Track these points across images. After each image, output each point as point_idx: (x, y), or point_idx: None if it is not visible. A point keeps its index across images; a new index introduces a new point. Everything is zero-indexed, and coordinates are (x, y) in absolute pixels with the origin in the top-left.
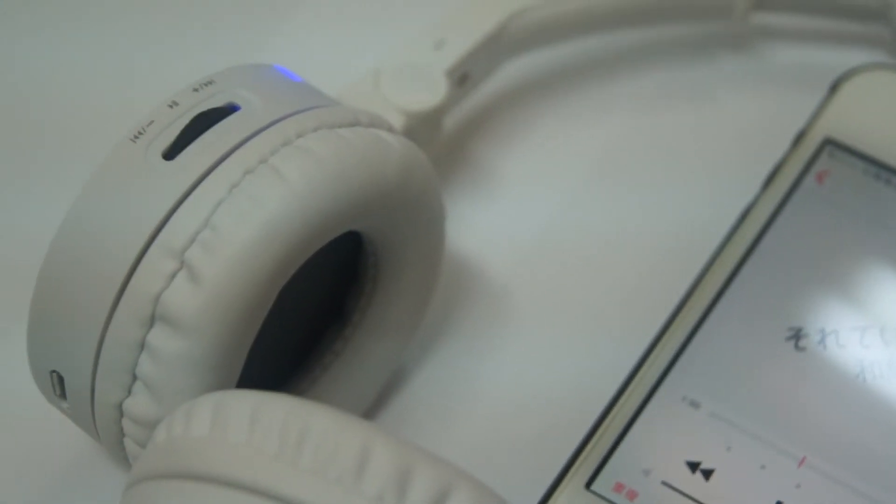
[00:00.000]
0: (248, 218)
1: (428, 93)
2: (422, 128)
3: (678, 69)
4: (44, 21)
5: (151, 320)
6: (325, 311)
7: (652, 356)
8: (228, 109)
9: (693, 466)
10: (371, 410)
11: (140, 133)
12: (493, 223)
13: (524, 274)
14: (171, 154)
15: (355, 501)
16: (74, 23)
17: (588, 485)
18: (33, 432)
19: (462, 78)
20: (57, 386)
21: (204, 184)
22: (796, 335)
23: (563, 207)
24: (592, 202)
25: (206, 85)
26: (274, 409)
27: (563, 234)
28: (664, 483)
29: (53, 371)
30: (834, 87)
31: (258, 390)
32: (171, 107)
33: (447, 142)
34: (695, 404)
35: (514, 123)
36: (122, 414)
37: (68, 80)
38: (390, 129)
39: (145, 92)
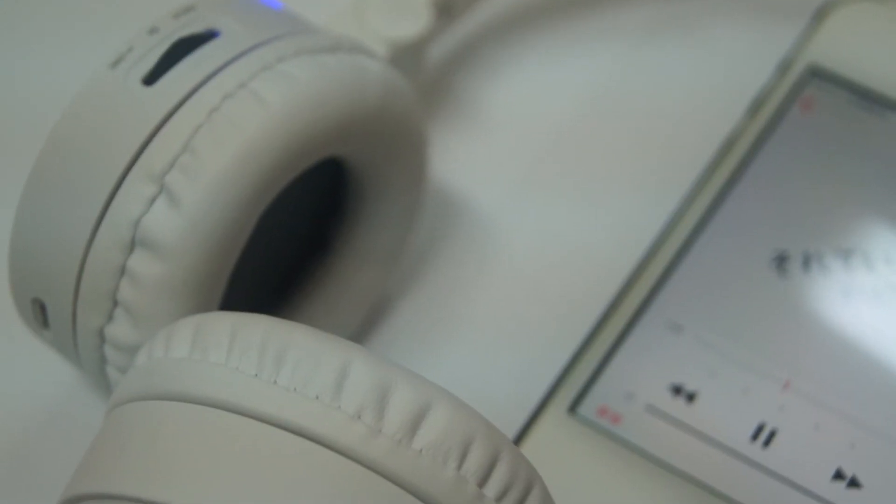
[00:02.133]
0: (227, 142)
1: (411, 23)
2: (405, 58)
3: (662, 2)
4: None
5: (131, 245)
6: (307, 240)
7: (637, 280)
8: (208, 35)
9: (677, 390)
10: (354, 339)
11: (119, 59)
12: (479, 155)
13: (510, 205)
14: (150, 80)
15: (334, 418)
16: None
17: (572, 409)
18: (16, 366)
19: (446, 8)
20: (39, 314)
21: (183, 108)
22: (780, 260)
23: (551, 139)
24: (580, 135)
25: (186, 11)
26: (253, 330)
27: (550, 164)
28: (648, 407)
29: (35, 299)
30: (818, 16)
31: (238, 312)
32: (150, 33)
33: (433, 74)
34: (679, 328)
35: (501, 56)
36: (103, 340)
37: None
38: (372, 56)
39: None
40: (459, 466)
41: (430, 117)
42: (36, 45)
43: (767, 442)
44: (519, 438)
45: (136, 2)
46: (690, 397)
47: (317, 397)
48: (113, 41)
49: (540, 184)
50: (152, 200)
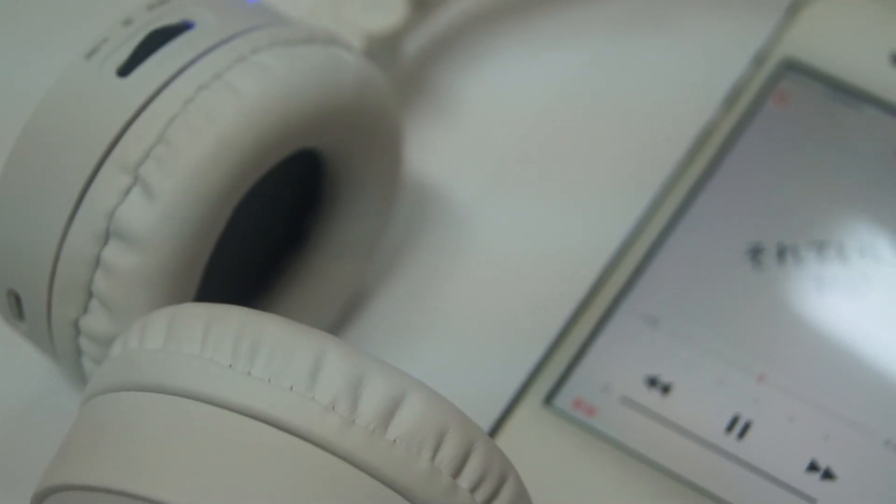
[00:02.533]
0: (201, 133)
1: (387, 14)
2: (381, 50)
3: None
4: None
5: (106, 236)
6: (283, 233)
7: (612, 273)
8: (183, 26)
9: (652, 382)
10: (330, 331)
11: (94, 50)
12: (455, 148)
13: (486, 198)
14: (125, 71)
15: (308, 409)
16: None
17: (547, 401)
18: None
19: (422, 1)
20: (14, 306)
21: (158, 99)
22: (755, 252)
23: (527, 132)
24: (556, 128)
25: (160, 3)
26: (227, 321)
27: (526, 157)
28: (623, 399)
29: (10, 291)
30: (793, 8)
31: (213, 303)
32: (125, 24)
33: (409, 67)
34: (654, 321)
35: (477, 49)
36: (78, 332)
37: None
38: (348, 48)
39: None
40: (433, 457)
41: (405, 110)
42: (9, 37)
43: (742, 434)
44: (494, 430)
45: None
46: (665, 389)
47: (291, 388)
48: (86, 33)
49: (515, 177)
50: (127, 191)
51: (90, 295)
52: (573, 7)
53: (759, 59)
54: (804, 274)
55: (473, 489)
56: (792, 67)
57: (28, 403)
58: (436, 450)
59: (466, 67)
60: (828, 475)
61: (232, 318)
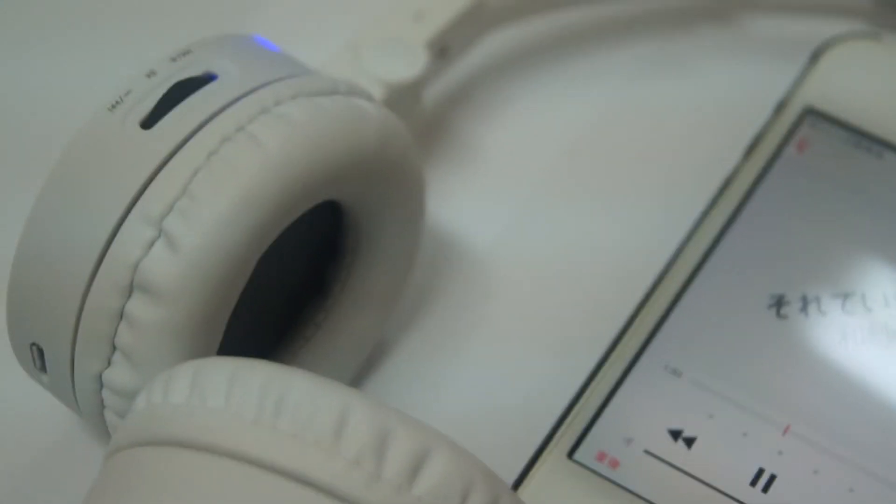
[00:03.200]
0: (225, 185)
1: (407, 65)
2: (401, 100)
3: (659, 42)
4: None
5: (130, 289)
6: (305, 283)
7: (634, 324)
8: (206, 78)
9: (675, 435)
10: (353, 383)
11: (118, 102)
12: (475, 197)
13: (507, 247)
14: (148, 123)
15: (334, 464)
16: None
17: (570, 454)
18: (14, 410)
19: (442, 50)
20: (37, 359)
21: (181, 152)
22: (778, 303)
23: (547, 180)
24: (576, 175)
25: (183, 55)
26: (252, 375)
27: (545, 205)
28: (646, 451)
29: (33, 344)
30: (814, 57)
31: (237, 357)
32: (148, 76)
33: (429, 116)
34: (677, 373)
35: (496, 97)
36: (101, 385)
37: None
38: (369, 99)
39: None
40: None
41: (427, 158)
42: (38, 69)
43: (767, 487)
44: (517, 484)
45: (136, 26)
46: (689, 442)
47: (316, 443)
48: (111, 61)
49: (536, 225)
50: (151, 244)
51: (113, 348)
52: (592, 55)
53: (779, 107)
54: (828, 324)
55: None
56: (812, 114)
57: (51, 456)
58: None
59: (486, 115)
60: None
61: (256, 372)
